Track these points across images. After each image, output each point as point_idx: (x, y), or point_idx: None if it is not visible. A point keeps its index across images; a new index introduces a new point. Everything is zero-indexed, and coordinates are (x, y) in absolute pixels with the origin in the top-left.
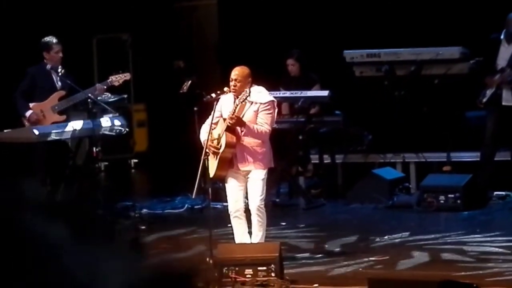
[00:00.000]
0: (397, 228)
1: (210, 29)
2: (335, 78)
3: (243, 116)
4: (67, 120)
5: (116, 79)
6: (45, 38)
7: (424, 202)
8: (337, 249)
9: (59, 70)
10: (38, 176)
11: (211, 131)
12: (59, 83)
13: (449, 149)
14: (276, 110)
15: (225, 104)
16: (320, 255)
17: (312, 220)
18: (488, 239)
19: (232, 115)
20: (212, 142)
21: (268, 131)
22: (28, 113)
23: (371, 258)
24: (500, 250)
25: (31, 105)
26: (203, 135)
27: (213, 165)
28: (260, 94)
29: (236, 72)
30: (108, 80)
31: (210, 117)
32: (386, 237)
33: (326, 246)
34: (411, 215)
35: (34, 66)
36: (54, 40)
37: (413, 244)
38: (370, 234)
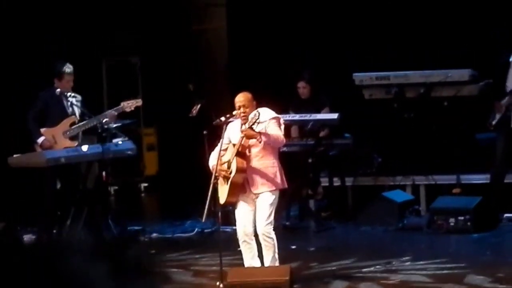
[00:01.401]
0: (407, 251)
1: (220, 52)
2: (344, 101)
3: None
4: (78, 145)
5: (128, 105)
6: (59, 66)
7: (434, 224)
8: (347, 273)
9: (68, 94)
10: (49, 200)
11: (220, 158)
12: (70, 108)
13: (459, 171)
14: (283, 127)
15: (232, 131)
16: (331, 278)
17: (322, 243)
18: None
19: (245, 129)
20: (222, 166)
21: (283, 137)
22: (40, 140)
23: (381, 281)
24: None
25: (42, 130)
26: (212, 161)
27: (223, 191)
28: (264, 113)
29: (242, 98)
30: (120, 106)
31: (219, 144)
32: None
33: (337, 269)
34: (421, 238)
35: (45, 91)
36: (67, 70)
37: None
38: (381, 257)
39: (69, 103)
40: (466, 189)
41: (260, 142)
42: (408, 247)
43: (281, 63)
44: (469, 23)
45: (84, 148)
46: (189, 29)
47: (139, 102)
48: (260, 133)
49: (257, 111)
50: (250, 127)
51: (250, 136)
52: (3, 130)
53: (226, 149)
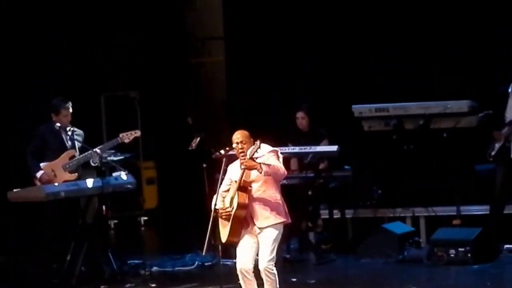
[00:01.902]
0: (407, 283)
1: (218, 85)
2: (343, 133)
3: (250, 175)
4: (78, 178)
5: (127, 136)
6: (55, 101)
7: (434, 256)
8: None
9: (68, 129)
10: (48, 234)
11: (223, 199)
12: (69, 142)
13: (458, 202)
14: (281, 159)
15: (233, 171)
16: None
17: (322, 275)
18: None
19: (245, 160)
20: (225, 210)
21: (284, 168)
22: (39, 174)
23: None
24: None
25: (42, 165)
26: (213, 203)
27: (225, 229)
28: (262, 148)
29: (239, 136)
30: (118, 138)
31: (218, 186)
32: None
33: None
34: (422, 270)
35: (44, 125)
36: (64, 105)
37: None
38: None
39: (68, 137)
40: (466, 221)
41: (261, 173)
42: (408, 279)
43: (279, 96)
44: (467, 53)
45: (89, 183)
46: (188, 62)
47: (137, 133)
48: (261, 164)
49: (257, 141)
50: (251, 158)
51: (251, 167)
52: (3, 164)
53: (228, 190)
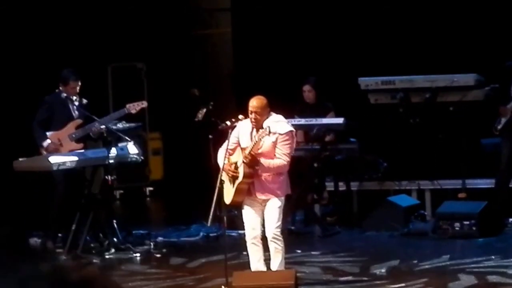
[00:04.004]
0: (413, 256)
1: (225, 57)
2: (350, 106)
3: (261, 147)
4: (85, 148)
5: (133, 106)
6: (65, 72)
7: (439, 229)
8: (353, 277)
9: (74, 99)
10: (56, 204)
11: (228, 157)
12: (76, 112)
13: (464, 176)
14: (295, 140)
15: (242, 132)
16: (335, 283)
17: (327, 247)
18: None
19: (247, 154)
20: (230, 166)
21: (286, 163)
22: (45, 143)
23: (387, 286)
24: None
25: (48, 134)
26: (220, 159)
27: (229, 192)
28: (278, 124)
29: (255, 104)
30: (125, 108)
31: (226, 142)
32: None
33: (342, 273)
34: (427, 243)
35: (51, 95)
36: (74, 77)
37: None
38: (386, 262)
39: (74, 107)
40: (472, 194)
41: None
42: (413, 252)
43: (286, 68)
44: (475, 26)
45: (90, 152)
46: (194, 34)
47: (144, 104)
48: (261, 163)
49: (268, 126)
50: (253, 158)
51: (252, 164)
52: (9, 133)
53: (234, 149)
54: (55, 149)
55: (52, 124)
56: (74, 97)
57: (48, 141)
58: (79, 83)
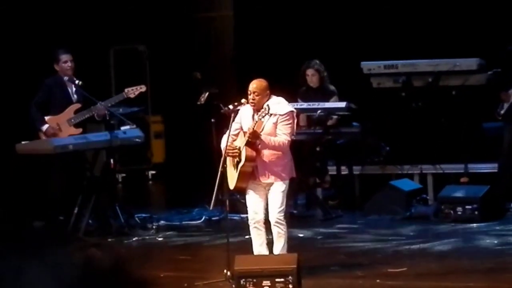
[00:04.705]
0: (415, 239)
1: (227, 40)
2: (352, 90)
3: (262, 129)
4: (83, 133)
5: (132, 91)
6: (54, 49)
7: (441, 213)
8: (355, 260)
9: (77, 82)
10: (56, 187)
11: (232, 143)
12: (75, 95)
13: (466, 160)
14: (296, 121)
15: (244, 116)
16: (338, 266)
17: (329, 231)
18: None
19: (249, 129)
20: (233, 148)
21: (287, 141)
22: (44, 127)
23: (389, 270)
24: None
25: (46, 118)
26: (224, 144)
27: (232, 176)
28: (279, 105)
29: (254, 85)
30: (123, 93)
31: (229, 128)
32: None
33: (344, 257)
34: (428, 226)
35: (51, 78)
36: (62, 50)
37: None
38: (387, 244)
39: (74, 90)
40: (474, 178)
41: (259, 146)
42: (415, 236)
43: (289, 51)
44: (477, 11)
45: (92, 135)
46: (197, 16)
47: (143, 88)
48: (262, 139)
49: (267, 104)
50: (255, 132)
51: (254, 138)
52: (10, 117)
53: (237, 134)
54: (54, 134)
55: (51, 108)
56: (76, 80)
57: (47, 125)
58: (71, 58)
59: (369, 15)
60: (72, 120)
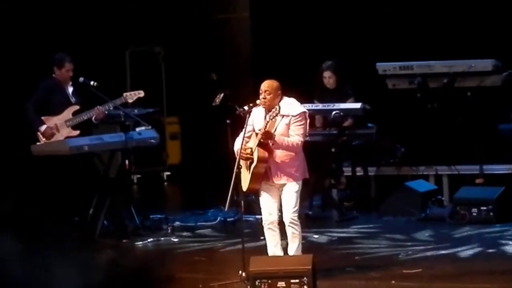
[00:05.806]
0: (430, 241)
1: (243, 41)
2: (367, 91)
3: (275, 130)
4: (81, 135)
5: (130, 96)
6: (59, 54)
7: (456, 214)
8: (370, 262)
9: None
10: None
11: (244, 144)
12: (73, 97)
13: (481, 161)
14: (308, 121)
15: (256, 118)
16: (353, 268)
17: (345, 232)
18: None
19: (261, 130)
20: (245, 150)
21: (300, 142)
22: (42, 128)
23: (404, 271)
24: None
25: (43, 118)
26: (237, 146)
27: (246, 178)
28: (291, 106)
29: (266, 85)
30: (121, 97)
31: (243, 130)
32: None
33: (359, 258)
34: (444, 228)
35: (48, 79)
36: (68, 58)
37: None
38: (402, 246)
39: (72, 92)
40: (489, 180)
41: (272, 145)
42: (430, 238)
43: (305, 52)
44: (493, 12)
45: (108, 136)
46: (213, 18)
47: (141, 93)
48: (275, 139)
49: (278, 105)
50: (267, 132)
51: (267, 138)
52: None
53: (250, 136)
54: (52, 134)
55: (49, 109)
56: (70, 83)
57: (45, 125)
58: (72, 66)
59: (385, 16)
60: (70, 122)
